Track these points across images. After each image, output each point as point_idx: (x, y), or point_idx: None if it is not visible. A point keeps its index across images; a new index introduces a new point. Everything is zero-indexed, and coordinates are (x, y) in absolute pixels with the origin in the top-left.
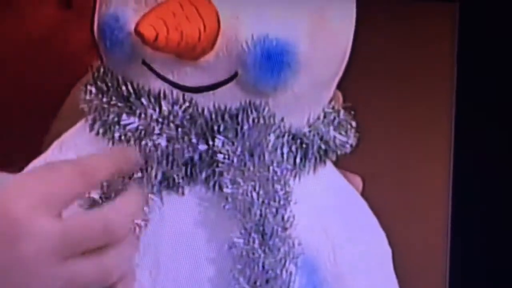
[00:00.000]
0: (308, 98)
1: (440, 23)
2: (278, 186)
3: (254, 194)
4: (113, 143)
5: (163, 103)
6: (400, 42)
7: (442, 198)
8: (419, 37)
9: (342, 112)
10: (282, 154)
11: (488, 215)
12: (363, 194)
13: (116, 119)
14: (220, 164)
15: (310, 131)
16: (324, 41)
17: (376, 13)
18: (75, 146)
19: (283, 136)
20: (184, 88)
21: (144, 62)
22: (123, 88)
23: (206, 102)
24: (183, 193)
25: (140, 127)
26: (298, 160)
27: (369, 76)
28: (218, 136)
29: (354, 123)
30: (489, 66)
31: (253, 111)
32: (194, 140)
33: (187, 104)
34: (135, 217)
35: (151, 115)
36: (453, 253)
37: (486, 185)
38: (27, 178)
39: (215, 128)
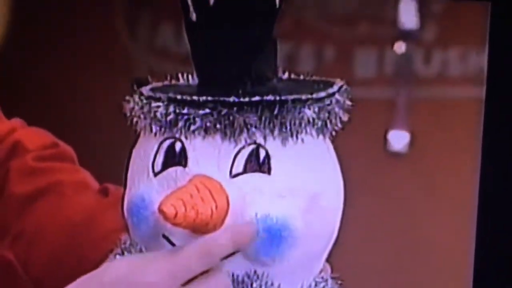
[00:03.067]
0: (302, 268)
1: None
2: None
3: None
4: None
5: None
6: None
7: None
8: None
9: (330, 281)
10: None
11: None
12: None
13: None
14: None
15: None
16: (316, 220)
17: None
18: None
19: None
20: None
21: (164, 236)
22: None
23: None
24: None
25: None
26: None
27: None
28: None
29: None
30: None
31: (256, 279)
32: None
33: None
34: None
35: None
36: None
37: None
38: (156, 255)
39: None
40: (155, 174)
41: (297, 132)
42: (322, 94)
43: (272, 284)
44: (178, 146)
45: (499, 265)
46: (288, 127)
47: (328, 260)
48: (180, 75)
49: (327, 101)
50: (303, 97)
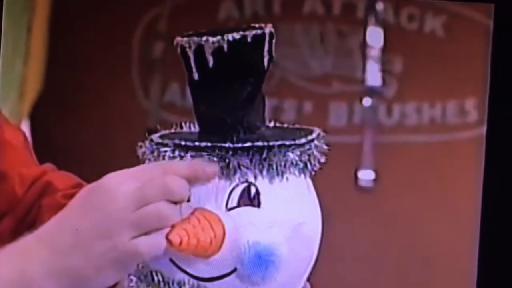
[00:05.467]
0: (286, 287)
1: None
2: None
3: None
4: None
5: None
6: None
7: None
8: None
9: None
10: None
11: None
12: None
13: None
14: None
15: None
16: (299, 246)
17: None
18: None
19: None
20: (199, 279)
21: (171, 259)
22: (155, 277)
23: None
24: None
25: None
26: None
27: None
28: None
29: None
30: None
31: None
32: None
33: None
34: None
35: None
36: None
37: None
38: (125, 176)
39: None
40: None
41: (282, 172)
42: (303, 140)
43: None
44: None
45: None
46: (275, 168)
47: (308, 279)
48: (184, 125)
49: (307, 146)
50: (287, 142)
